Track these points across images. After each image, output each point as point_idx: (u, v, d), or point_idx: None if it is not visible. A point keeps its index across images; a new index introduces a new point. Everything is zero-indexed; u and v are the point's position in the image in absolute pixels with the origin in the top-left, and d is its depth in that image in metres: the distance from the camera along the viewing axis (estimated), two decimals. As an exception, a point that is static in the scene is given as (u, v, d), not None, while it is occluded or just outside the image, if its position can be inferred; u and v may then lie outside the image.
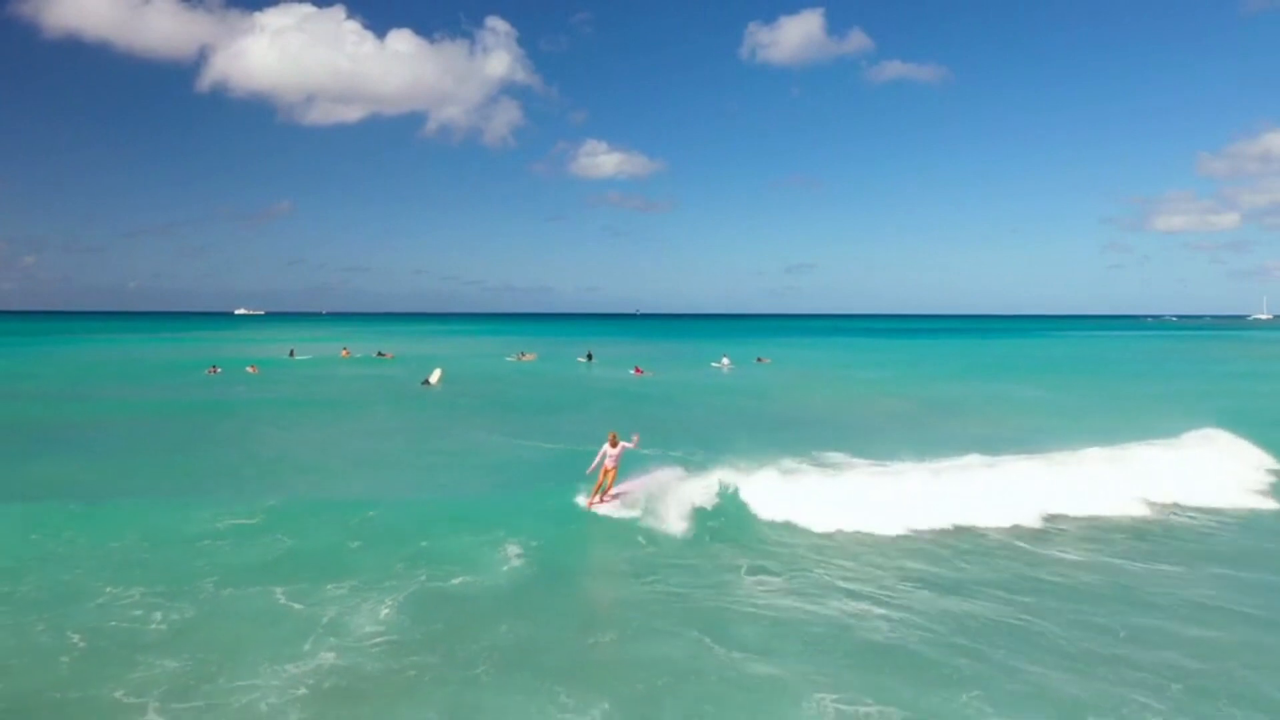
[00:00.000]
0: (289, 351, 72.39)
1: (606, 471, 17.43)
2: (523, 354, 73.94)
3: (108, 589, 12.90)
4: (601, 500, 17.51)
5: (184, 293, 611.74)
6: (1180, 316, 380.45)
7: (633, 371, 58.85)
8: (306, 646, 10.92)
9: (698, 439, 26.96)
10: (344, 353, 72.42)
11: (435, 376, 47.90)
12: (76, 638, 11.18)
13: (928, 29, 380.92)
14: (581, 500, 17.69)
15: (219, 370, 53.96)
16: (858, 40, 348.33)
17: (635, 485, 18.03)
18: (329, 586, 13.05)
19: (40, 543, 15.12)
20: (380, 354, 73.46)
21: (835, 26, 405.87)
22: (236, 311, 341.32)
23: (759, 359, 70.83)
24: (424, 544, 15.19)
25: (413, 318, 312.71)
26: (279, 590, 12.89)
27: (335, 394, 43.18)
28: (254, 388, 45.93)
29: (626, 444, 17.51)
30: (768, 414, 36.48)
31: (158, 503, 18.39)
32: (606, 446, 17.41)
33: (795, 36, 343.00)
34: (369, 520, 16.62)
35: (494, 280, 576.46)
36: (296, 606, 12.34)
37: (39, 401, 37.80)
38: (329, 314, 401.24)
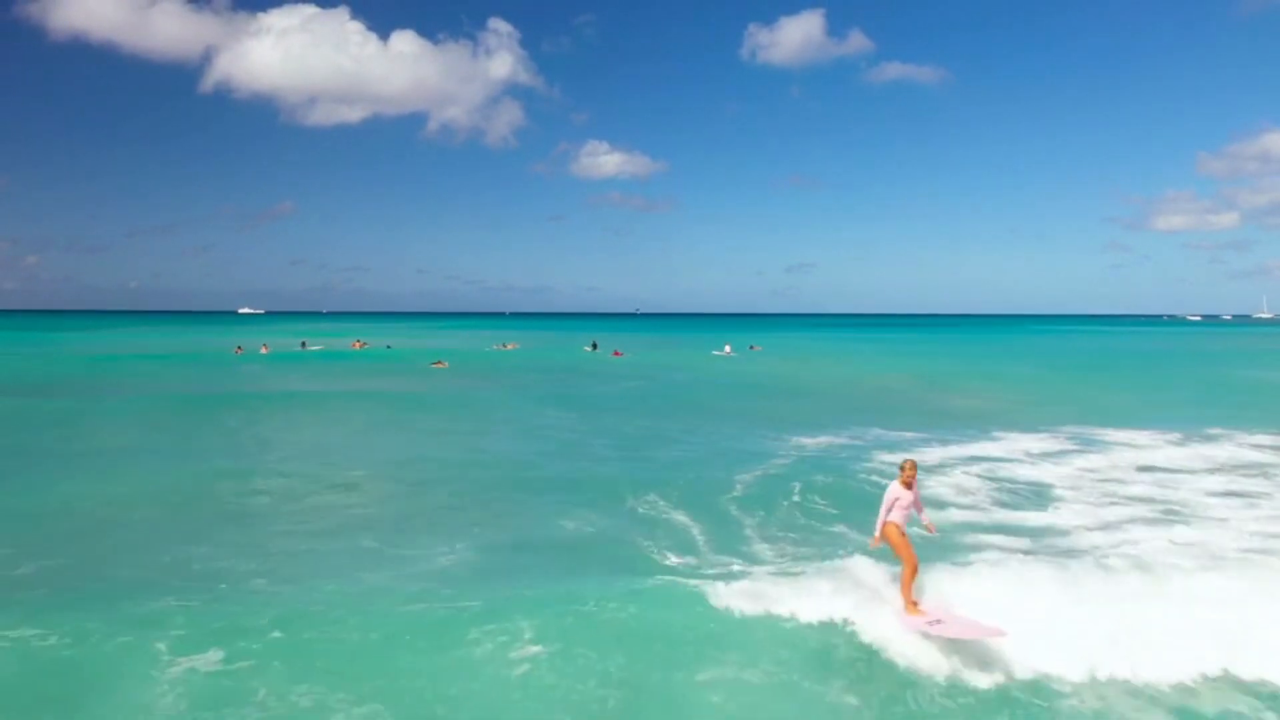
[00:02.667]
0: (300, 343, 74.49)
1: (903, 536, 9.80)
2: (505, 344, 76.59)
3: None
4: (916, 603, 9.59)
5: (185, 292, 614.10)
6: (1205, 316, 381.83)
7: (612, 354, 63.84)
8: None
9: (752, 419, 29.21)
10: (355, 344, 74.50)
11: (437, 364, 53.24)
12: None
13: (927, 30, 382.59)
14: (896, 612, 9.59)
15: (243, 349, 64.67)
16: (857, 41, 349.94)
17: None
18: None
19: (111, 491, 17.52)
20: (388, 346, 75.56)
21: (835, 28, 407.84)
22: (240, 310, 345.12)
23: (752, 346, 76.91)
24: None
25: (414, 316, 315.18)
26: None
27: (363, 375, 45.86)
28: (284, 368, 48.68)
29: (920, 505, 10.13)
30: (788, 389, 40.13)
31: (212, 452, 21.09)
32: (897, 486, 9.94)
33: (795, 37, 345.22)
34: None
35: (495, 280, 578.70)
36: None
37: (85, 387, 40.11)
38: (329, 313, 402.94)
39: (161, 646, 8.69)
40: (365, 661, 8.58)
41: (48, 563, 12.11)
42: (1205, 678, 8.62)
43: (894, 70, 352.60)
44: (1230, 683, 8.58)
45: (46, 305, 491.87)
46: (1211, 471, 19.70)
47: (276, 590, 10.90)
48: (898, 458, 20.84)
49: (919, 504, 10.09)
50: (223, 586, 11.00)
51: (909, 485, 9.88)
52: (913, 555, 9.68)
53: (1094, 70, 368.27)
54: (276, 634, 9.00)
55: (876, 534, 9.94)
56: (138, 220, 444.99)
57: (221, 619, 9.47)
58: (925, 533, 10.33)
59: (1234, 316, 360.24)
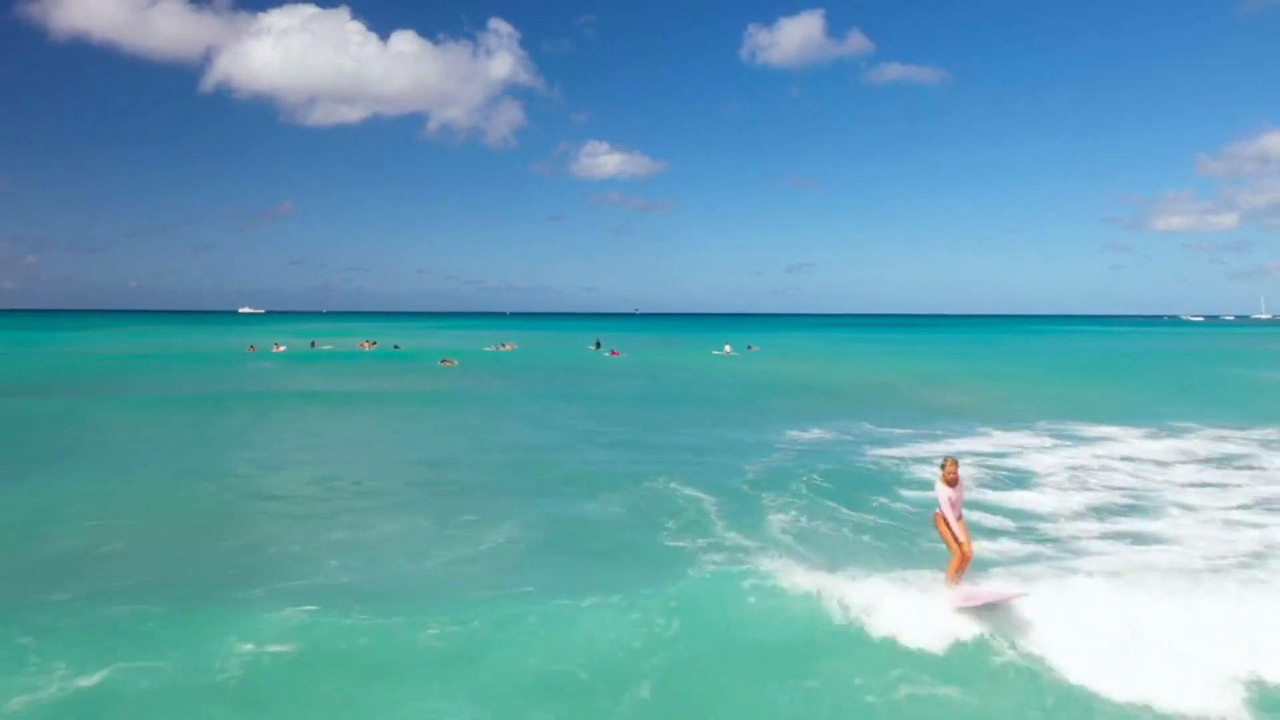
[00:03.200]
0: (310, 343, 75.67)
1: (953, 525, 10.42)
2: (502, 344, 77.49)
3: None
4: (959, 579, 10.44)
5: (184, 292, 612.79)
6: (1207, 316, 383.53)
7: (609, 354, 66.55)
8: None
9: (776, 413, 30.83)
10: (364, 345, 75.52)
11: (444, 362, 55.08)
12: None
13: (927, 31, 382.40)
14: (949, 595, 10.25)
15: (255, 348, 66.47)
16: (857, 42, 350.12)
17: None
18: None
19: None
20: (396, 346, 76.69)
21: (835, 28, 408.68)
22: (240, 310, 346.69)
23: (750, 347, 78.52)
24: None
25: (414, 316, 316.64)
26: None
27: (377, 374, 47.36)
28: (300, 368, 50.17)
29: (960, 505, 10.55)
30: (788, 387, 41.67)
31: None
32: (944, 489, 10.44)
33: (795, 38, 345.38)
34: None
35: (494, 280, 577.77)
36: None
37: (112, 384, 41.43)
38: (329, 313, 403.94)
39: (254, 617, 9.97)
40: (443, 638, 9.51)
41: (140, 549, 13.52)
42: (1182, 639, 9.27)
43: (894, 71, 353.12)
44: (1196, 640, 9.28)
45: (46, 305, 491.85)
46: (1185, 463, 21.25)
47: (349, 573, 12.29)
48: (893, 452, 22.50)
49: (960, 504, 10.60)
50: (304, 566, 12.45)
51: (951, 483, 10.33)
52: (959, 547, 10.29)
53: (1093, 70, 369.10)
54: (358, 606, 10.34)
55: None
56: (138, 220, 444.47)
57: (304, 596, 10.80)
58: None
59: (1236, 317, 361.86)
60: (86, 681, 8.32)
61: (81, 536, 13.99)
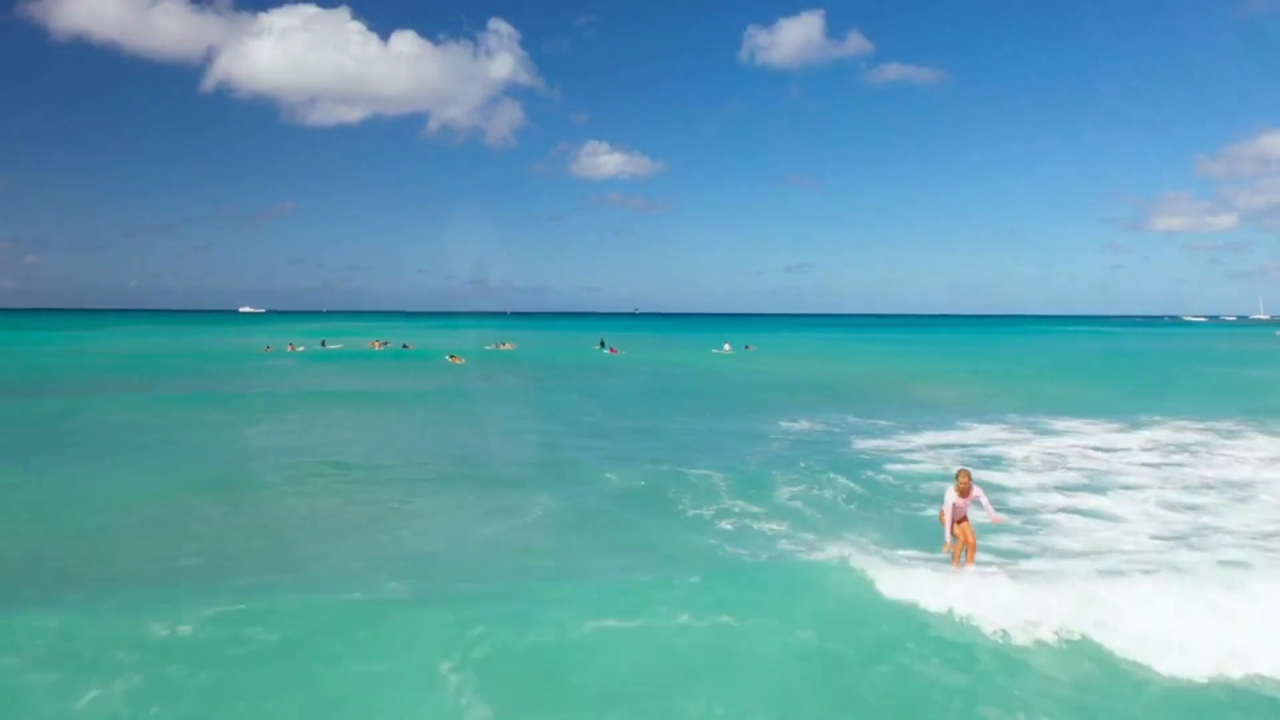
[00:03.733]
0: (320, 343, 77.10)
1: (960, 525, 12.23)
2: (501, 344, 78.69)
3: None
4: (961, 561, 12.27)
5: (184, 292, 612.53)
6: (1208, 317, 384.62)
7: (608, 351, 69.81)
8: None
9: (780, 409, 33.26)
10: (375, 344, 76.80)
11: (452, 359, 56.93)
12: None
13: (927, 31, 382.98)
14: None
15: (271, 348, 68.44)
16: (857, 43, 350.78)
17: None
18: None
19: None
20: (405, 346, 78.17)
21: (834, 29, 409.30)
22: (241, 309, 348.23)
23: (747, 346, 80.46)
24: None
25: (415, 316, 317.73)
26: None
27: (392, 372, 49.18)
28: (317, 367, 52.10)
29: (984, 502, 12.13)
30: (788, 384, 43.47)
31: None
32: (952, 494, 12.07)
33: (794, 39, 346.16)
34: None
35: (494, 279, 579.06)
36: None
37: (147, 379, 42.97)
38: (329, 312, 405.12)
39: (326, 586, 11.56)
40: (505, 600, 10.65)
41: (198, 528, 14.95)
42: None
43: (893, 71, 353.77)
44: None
45: (46, 304, 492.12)
46: (1149, 449, 23.16)
47: (402, 545, 14.00)
48: (880, 442, 24.31)
49: (984, 501, 12.10)
50: (357, 544, 14.22)
51: (964, 492, 11.95)
52: (962, 537, 12.17)
53: (1093, 71, 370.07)
54: (417, 577, 12.08)
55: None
56: (138, 220, 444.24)
57: (359, 569, 12.38)
58: (990, 522, 12.60)
59: (1237, 318, 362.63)
60: (156, 641, 9.31)
61: (146, 515, 15.33)
